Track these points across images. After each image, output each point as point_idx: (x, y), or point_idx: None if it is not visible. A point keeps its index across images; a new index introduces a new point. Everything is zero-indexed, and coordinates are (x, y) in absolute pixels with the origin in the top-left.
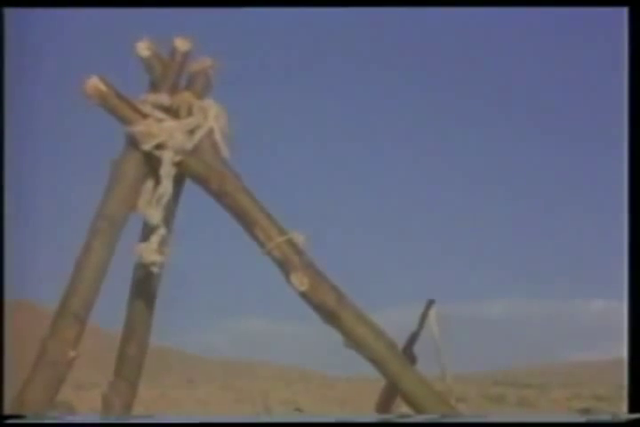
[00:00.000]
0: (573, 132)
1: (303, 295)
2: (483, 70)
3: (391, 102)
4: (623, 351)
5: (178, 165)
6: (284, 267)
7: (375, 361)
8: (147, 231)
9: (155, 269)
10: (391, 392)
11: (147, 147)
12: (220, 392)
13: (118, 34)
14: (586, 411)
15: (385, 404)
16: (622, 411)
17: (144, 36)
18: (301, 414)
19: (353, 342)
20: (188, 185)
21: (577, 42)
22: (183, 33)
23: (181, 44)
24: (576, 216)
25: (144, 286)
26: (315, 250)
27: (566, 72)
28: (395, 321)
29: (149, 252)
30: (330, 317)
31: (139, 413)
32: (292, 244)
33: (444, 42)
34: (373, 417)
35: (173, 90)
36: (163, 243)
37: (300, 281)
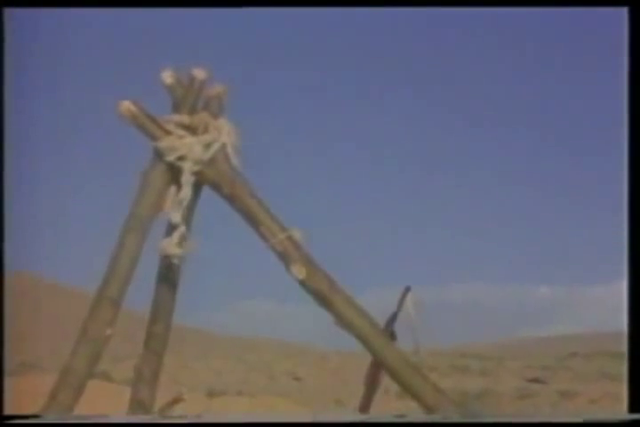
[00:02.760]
0: (573, 132)
1: (301, 283)
2: (483, 70)
3: (384, 100)
4: (565, 329)
5: (196, 174)
6: (285, 259)
7: (361, 338)
8: (169, 229)
9: (175, 261)
10: (377, 366)
11: (170, 159)
12: (232, 364)
13: (108, 35)
14: (535, 380)
15: (372, 376)
16: (622, 411)
17: (168, 66)
18: (299, 381)
19: (342, 322)
20: (205, 191)
21: (577, 42)
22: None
23: (199, 74)
24: (536, 204)
25: (167, 274)
26: (310, 242)
27: (566, 72)
28: (376, 304)
29: (171, 246)
30: (323, 301)
31: (165, 382)
32: (291, 239)
33: (443, 42)
34: (373, 417)
35: (192, 111)
36: (182, 238)
37: (299, 271)
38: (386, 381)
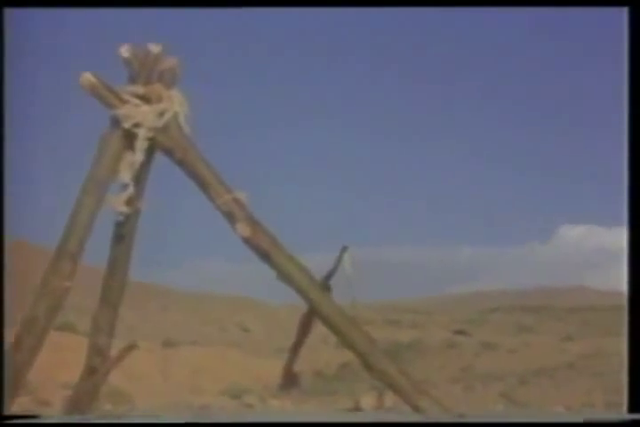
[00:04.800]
0: (573, 132)
1: (245, 240)
2: (483, 70)
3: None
4: (487, 286)
5: (150, 140)
6: (231, 218)
7: (300, 291)
8: (120, 189)
9: (121, 218)
10: (310, 316)
11: (126, 126)
12: (188, 317)
13: (106, 35)
14: (460, 332)
15: (304, 324)
16: (622, 411)
17: (125, 41)
18: (248, 332)
19: (283, 276)
20: (158, 155)
21: (577, 42)
22: (159, 34)
23: (153, 48)
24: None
25: (122, 231)
26: (255, 205)
27: (566, 72)
28: (316, 262)
29: (118, 203)
30: (266, 257)
31: (124, 333)
32: (236, 201)
33: (441, 42)
34: (372, 417)
35: (147, 82)
36: (131, 198)
37: (243, 230)
38: (325, 332)
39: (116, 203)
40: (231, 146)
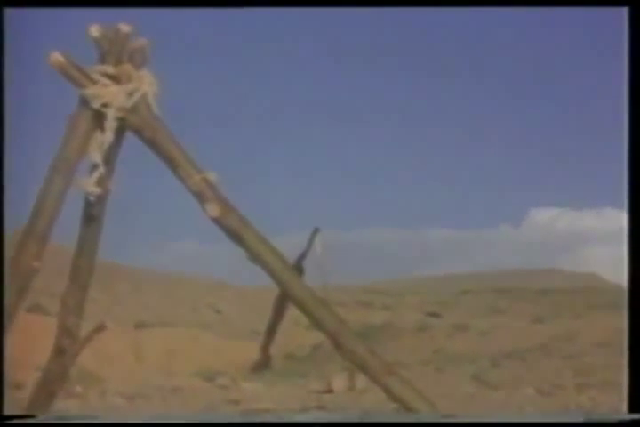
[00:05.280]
0: (572, 132)
1: (215, 220)
2: (483, 70)
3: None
4: (458, 268)
5: (119, 120)
6: (200, 198)
7: (271, 272)
8: (90, 169)
9: (92, 199)
10: (283, 298)
11: (95, 105)
12: (160, 299)
13: (77, 18)
14: (432, 314)
15: (278, 307)
16: (622, 411)
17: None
18: (220, 313)
19: (254, 257)
20: (128, 135)
21: (577, 42)
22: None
23: (123, 28)
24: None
25: (91, 211)
26: (227, 186)
27: (566, 72)
28: (290, 244)
29: (89, 185)
30: (236, 237)
31: (96, 314)
32: (206, 180)
33: (440, 41)
34: (371, 417)
35: (117, 62)
36: (101, 178)
37: (213, 209)
38: (297, 314)
39: (87, 184)
40: (202, 127)
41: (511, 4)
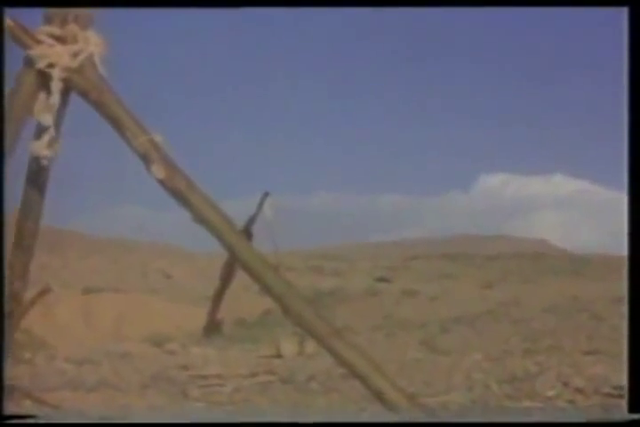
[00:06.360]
0: (572, 132)
1: (161, 183)
2: (483, 70)
3: None
4: (408, 234)
5: (65, 80)
6: (146, 160)
7: (218, 235)
8: (39, 132)
9: (45, 162)
10: (231, 263)
11: (40, 65)
12: (108, 264)
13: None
14: (382, 279)
15: (226, 271)
16: (622, 411)
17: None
18: (171, 279)
19: (199, 218)
20: (74, 96)
21: (577, 42)
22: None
23: None
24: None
25: (36, 175)
26: (174, 150)
27: (566, 72)
28: (239, 208)
29: (41, 147)
30: (182, 199)
31: (44, 280)
32: (152, 142)
33: (439, 40)
34: (368, 417)
35: (63, 23)
36: (52, 141)
37: (158, 171)
38: (248, 279)
39: (38, 147)
40: (150, 89)
41: (511, 4)
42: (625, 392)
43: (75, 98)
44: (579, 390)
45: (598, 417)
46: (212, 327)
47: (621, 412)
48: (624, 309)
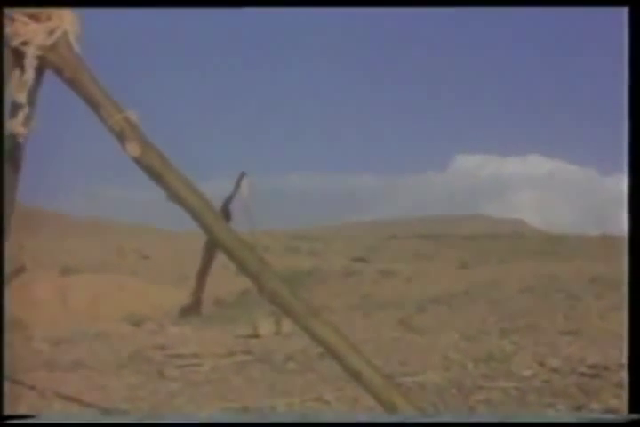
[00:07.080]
0: (572, 133)
1: (136, 161)
2: (483, 70)
3: None
4: (385, 214)
5: (39, 58)
6: (121, 138)
7: (193, 214)
8: (14, 110)
9: (21, 140)
10: (212, 244)
11: (14, 43)
12: (86, 244)
13: (106, 35)
14: (359, 259)
15: (207, 252)
16: (622, 411)
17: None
18: (148, 259)
19: (175, 197)
20: (49, 74)
21: (577, 42)
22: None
23: None
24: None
25: (10, 153)
26: (149, 129)
27: (566, 72)
28: (217, 188)
29: (17, 126)
30: (157, 177)
31: (18, 259)
32: (127, 120)
33: (439, 39)
34: (365, 417)
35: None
36: (27, 118)
37: (133, 149)
38: (226, 259)
39: (14, 124)
40: (126, 67)
41: (511, 4)
42: (600, 371)
43: (50, 76)
44: (554, 370)
45: (598, 417)
46: (192, 307)
47: (621, 412)
48: (599, 288)
